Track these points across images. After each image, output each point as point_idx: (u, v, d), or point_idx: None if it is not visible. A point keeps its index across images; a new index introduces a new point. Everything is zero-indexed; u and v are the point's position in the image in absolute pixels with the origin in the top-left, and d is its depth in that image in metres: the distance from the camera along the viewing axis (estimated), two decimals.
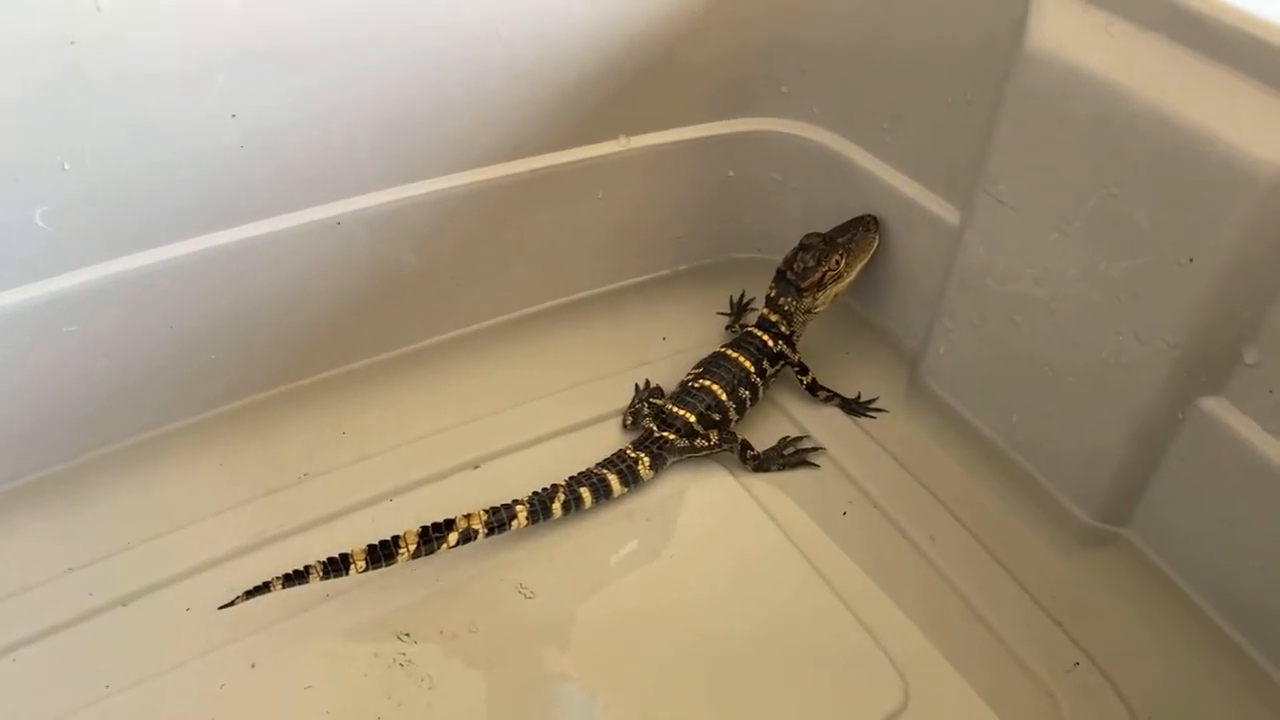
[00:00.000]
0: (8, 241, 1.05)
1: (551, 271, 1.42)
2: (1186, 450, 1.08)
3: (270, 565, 1.11)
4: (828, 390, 1.38)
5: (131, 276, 1.12)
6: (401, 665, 1.08)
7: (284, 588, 1.07)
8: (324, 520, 1.21)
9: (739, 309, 1.51)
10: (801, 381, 1.37)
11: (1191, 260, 0.98)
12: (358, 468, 1.27)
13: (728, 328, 1.48)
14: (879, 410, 1.38)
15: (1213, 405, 1.05)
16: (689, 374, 1.34)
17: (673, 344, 1.47)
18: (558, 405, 1.36)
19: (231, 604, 1.06)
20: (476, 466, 1.28)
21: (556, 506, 1.19)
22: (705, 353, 1.37)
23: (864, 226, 1.35)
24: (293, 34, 1.07)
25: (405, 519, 1.17)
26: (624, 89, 1.30)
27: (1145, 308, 1.03)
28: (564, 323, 1.45)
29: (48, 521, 1.17)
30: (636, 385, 1.39)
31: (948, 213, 1.27)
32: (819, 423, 1.36)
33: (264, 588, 1.07)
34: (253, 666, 1.07)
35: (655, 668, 1.10)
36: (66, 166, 1.03)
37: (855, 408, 1.38)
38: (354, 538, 1.12)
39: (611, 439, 1.33)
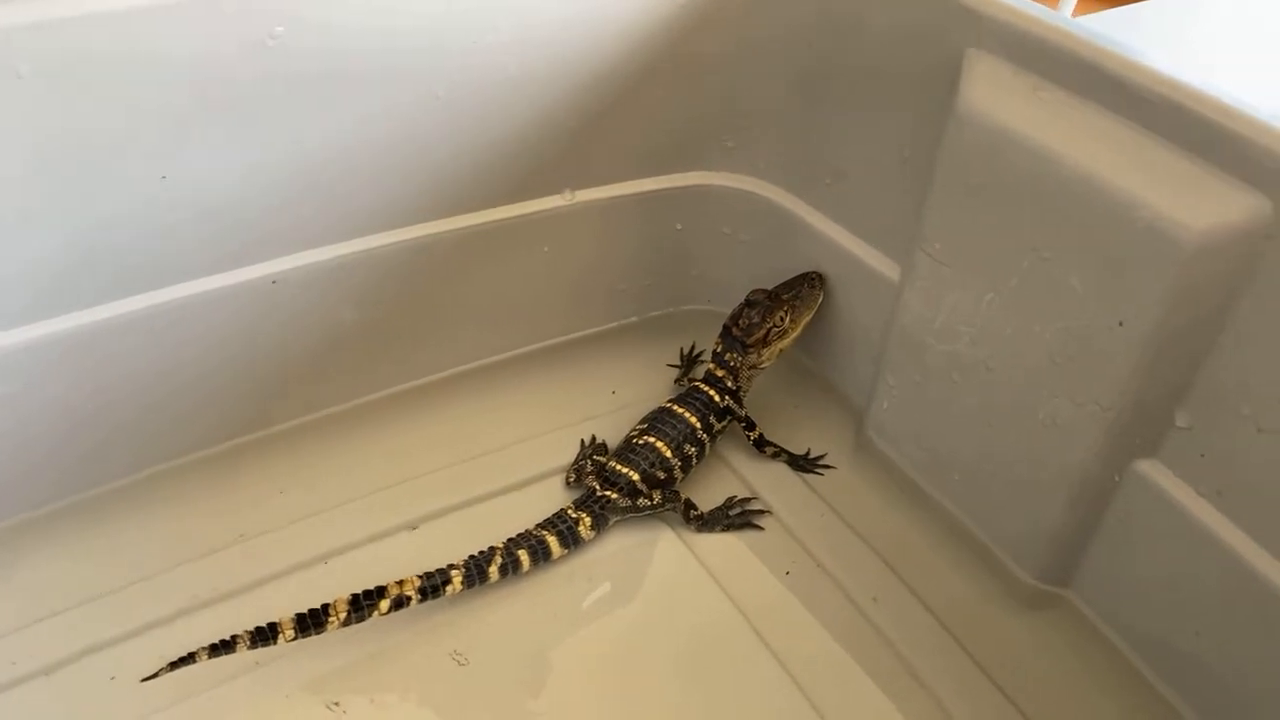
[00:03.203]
0: None
1: (497, 326, 1.41)
2: (1124, 513, 1.07)
3: (203, 630, 1.08)
4: (775, 446, 1.37)
5: (57, 339, 1.10)
6: None
7: (210, 658, 1.04)
8: (259, 583, 1.19)
9: (689, 361, 1.50)
10: (749, 437, 1.36)
11: (1122, 324, 0.97)
12: (295, 528, 1.25)
13: (677, 380, 1.47)
14: (826, 466, 1.37)
15: (1147, 468, 1.04)
16: (633, 430, 1.33)
17: (622, 397, 1.46)
18: (500, 462, 1.35)
19: (155, 675, 1.04)
20: (414, 527, 1.27)
21: (493, 570, 1.17)
22: (654, 407, 1.36)
23: (809, 283, 1.35)
24: (223, 96, 1.06)
25: (341, 582, 1.15)
26: (567, 145, 1.30)
27: (1079, 370, 1.03)
28: (510, 377, 1.44)
29: None
30: (582, 441, 1.38)
31: (889, 269, 1.27)
32: (766, 479, 1.35)
33: (190, 658, 1.04)
34: None
35: None
36: None
37: (802, 464, 1.37)
38: (289, 602, 1.10)
39: (555, 497, 1.31)
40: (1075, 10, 1.91)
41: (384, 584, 1.11)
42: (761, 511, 1.31)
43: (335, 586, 1.11)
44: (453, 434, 1.37)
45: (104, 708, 1.06)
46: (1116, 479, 1.06)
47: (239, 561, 1.21)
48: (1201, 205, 0.89)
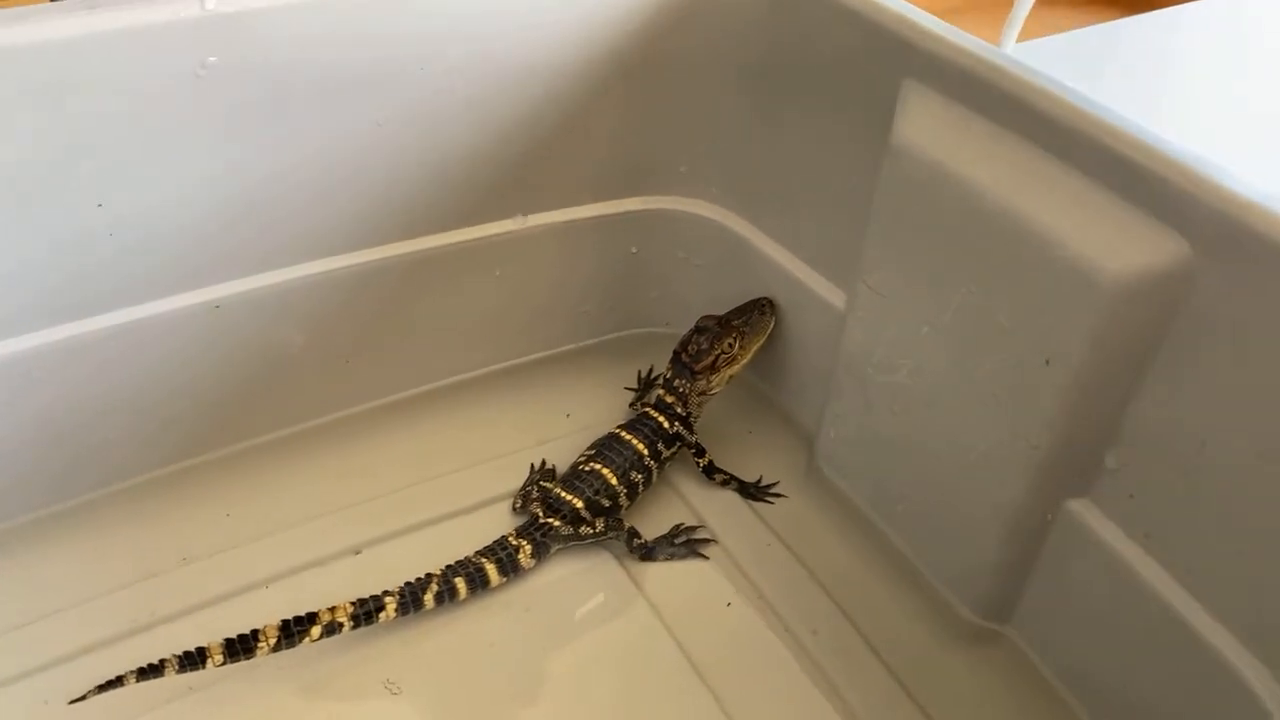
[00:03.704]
0: None
1: (449, 349, 1.41)
2: (1058, 552, 1.06)
3: (140, 653, 1.08)
4: (725, 473, 1.36)
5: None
6: None
7: (138, 681, 1.05)
8: (199, 607, 1.19)
9: (646, 384, 1.49)
10: (698, 464, 1.35)
11: (1048, 363, 0.95)
12: (239, 552, 1.25)
13: (631, 405, 1.46)
14: (777, 495, 1.36)
15: (1079, 508, 1.02)
16: (581, 456, 1.33)
17: (577, 421, 1.45)
18: (450, 486, 1.34)
19: (83, 698, 1.05)
20: (358, 552, 1.27)
21: (429, 598, 1.17)
22: (607, 431, 1.35)
23: (759, 309, 1.34)
24: (157, 125, 1.06)
25: (281, 607, 1.15)
26: (517, 170, 1.30)
27: (1010, 407, 1.01)
28: (464, 400, 1.43)
29: None
30: (532, 465, 1.38)
31: (836, 298, 1.25)
32: (714, 507, 1.34)
33: (117, 682, 1.05)
34: None
35: None
36: None
37: (752, 492, 1.36)
38: (228, 626, 1.10)
39: (503, 522, 1.31)
40: (1059, 27, 1.88)
41: (316, 610, 1.12)
42: (707, 540, 1.30)
43: (276, 610, 1.11)
44: (404, 457, 1.37)
45: None
46: (1049, 518, 1.04)
47: (181, 584, 1.21)
48: (1121, 246, 0.88)
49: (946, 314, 1.05)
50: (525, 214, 1.35)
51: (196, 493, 1.30)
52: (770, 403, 1.46)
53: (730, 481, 1.36)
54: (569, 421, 1.45)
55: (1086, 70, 1.21)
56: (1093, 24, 1.65)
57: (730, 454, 1.39)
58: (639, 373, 1.51)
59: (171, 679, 1.07)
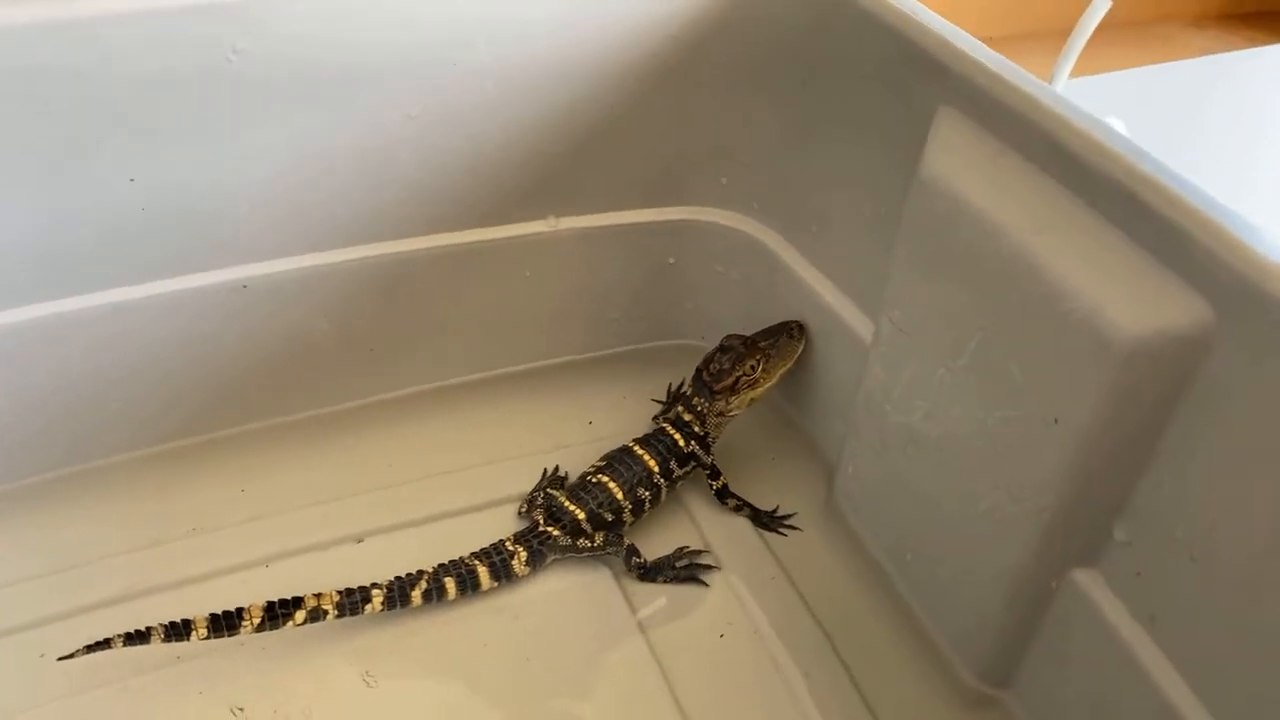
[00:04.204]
0: None
1: (474, 346, 1.40)
2: (1061, 622, 0.98)
3: (136, 618, 1.10)
4: (738, 499, 1.31)
5: (27, 326, 1.16)
6: None
7: (125, 646, 1.07)
8: (200, 579, 1.22)
9: (675, 398, 1.46)
10: (711, 486, 1.31)
11: (1057, 422, 0.89)
12: (246, 528, 1.27)
13: (655, 418, 1.43)
14: (791, 527, 1.31)
15: (1085, 579, 0.95)
16: (592, 466, 1.30)
17: (598, 429, 1.43)
18: (461, 483, 1.34)
19: (71, 656, 1.08)
20: (360, 541, 1.27)
21: (416, 594, 1.17)
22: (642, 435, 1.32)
23: (789, 332, 1.29)
24: (189, 109, 1.09)
25: (277, 587, 1.16)
26: (549, 172, 1.28)
27: (1018, 464, 0.95)
28: (485, 398, 1.43)
29: None
30: (545, 470, 1.36)
31: (864, 328, 1.20)
32: (723, 533, 1.30)
33: (105, 644, 1.07)
34: None
35: None
36: None
37: (766, 521, 1.31)
38: (224, 599, 1.12)
39: (507, 525, 1.29)
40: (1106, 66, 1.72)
41: (302, 596, 1.13)
42: (709, 567, 1.26)
43: (271, 590, 1.13)
44: (418, 450, 1.37)
45: (28, 683, 1.10)
46: (1054, 585, 0.97)
47: (185, 555, 1.24)
48: (1139, 305, 0.80)
49: (963, 358, 0.99)
50: (558, 216, 1.33)
51: (214, 466, 1.33)
52: (797, 430, 1.40)
53: (743, 508, 1.31)
54: (590, 429, 1.43)
55: (1144, 112, 1.12)
56: (1164, 62, 1.54)
57: (750, 479, 1.35)
58: (669, 385, 1.47)
59: (162, 647, 1.10)
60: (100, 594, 1.19)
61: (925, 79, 1.01)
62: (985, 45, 0.99)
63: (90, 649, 1.07)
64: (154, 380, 1.26)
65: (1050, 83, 1.21)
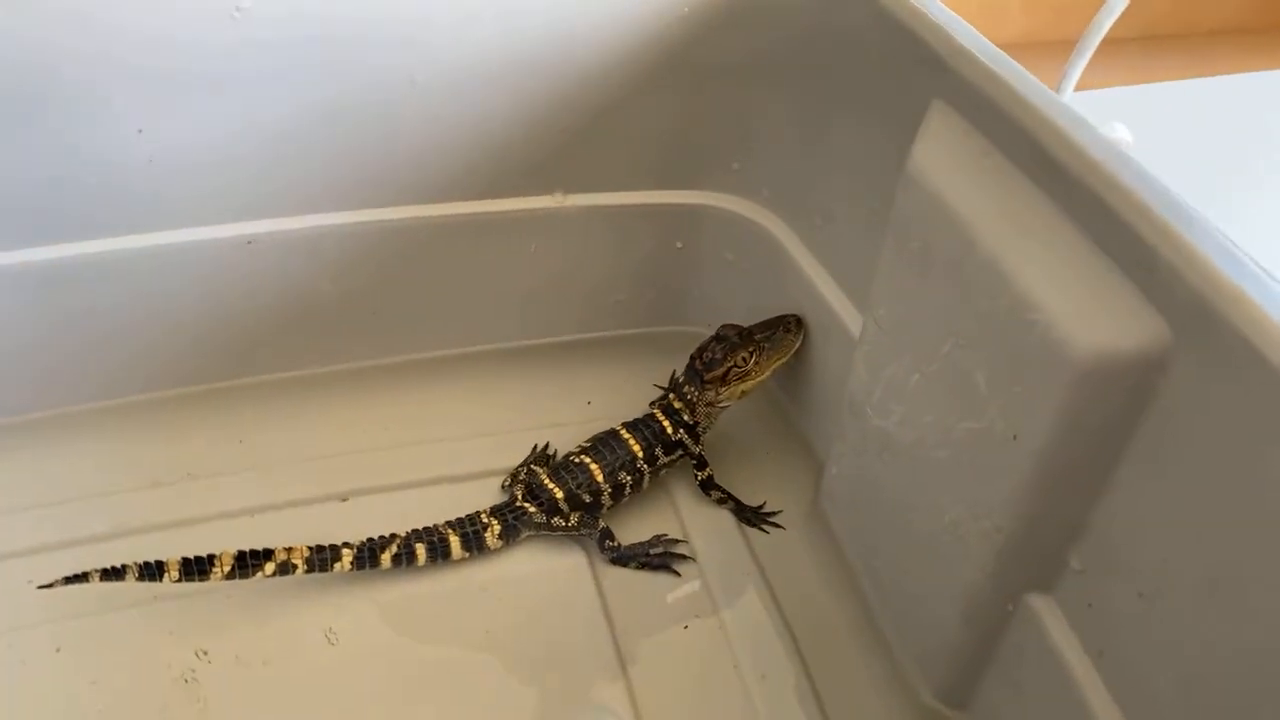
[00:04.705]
0: None
1: (475, 318, 1.40)
2: (1016, 647, 0.94)
3: (121, 555, 1.14)
4: (723, 492, 1.29)
5: (39, 267, 1.20)
6: (187, 681, 1.11)
7: (101, 580, 1.11)
8: (188, 523, 1.25)
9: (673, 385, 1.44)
10: (697, 476, 1.29)
11: (1016, 438, 0.84)
12: (239, 478, 1.30)
13: (651, 404, 1.41)
14: (774, 525, 1.28)
15: (1041, 606, 0.90)
16: (577, 446, 1.29)
17: (596, 409, 1.42)
18: (450, 452, 1.35)
19: (50, 586, 1.12)
20: (345, 499, 1.29)
21: (386, 558, 1.18)
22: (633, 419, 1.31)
23: (785, 326, 1.26)
24: (195, 66, 1.11)
25: (260, 537, 1.17)
26: (557, 147, 1.27)
27: (980, 479, 0.90)
28: (482, 370, 1.43)
29: None
30: (535, 446, 1.36)
31: (858, 325, 1.16)
32: (703, 525, 1.28)
33: (83, 577, 1.11)
34: (57, 651, 1.12)
35: None
36: None
37: (749, 517, 1.28)
38: (207, 545, 1.14)
39: (490, 497, 1.30)
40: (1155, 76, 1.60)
41: (273, 548, 1.15)
42: (683, 557, 1.24)
43: (251, 539, 1.15)
44: (412, 415, 1.38)
45: (9, 607, 1.15)
46: (1010, 609, 0.93)
47: (177, 499, 1.27)
48: (1098, 320, 0.76)
49: (934, 363, 0.95)
50: (565, 192, 1.32)
51: (214, 416, 1.36)
52: (793, 426, 1.37)
53: (727, 501, 1.29)
54: (587, 409, 1.42)
55: (1160, 127, 1.04)
56: (1191, 78, 1.43)
57: (741, 472, 1.32)
58: (673, 372, 1.45)
59: (140, 586, 1.13)
60: (91, 529, 1.23)
61: (921, 71, 0.97)
62: (991, 43, 0.94)
63: (69, 580, 1.11)
64: (159, 328, 1.29)
65: (1060, 86, 1.14)
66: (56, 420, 1.32)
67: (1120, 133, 0.94)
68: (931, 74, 0.96)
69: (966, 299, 0.89)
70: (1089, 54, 1.06)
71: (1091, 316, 0.76)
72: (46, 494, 1.26)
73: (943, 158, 0.93)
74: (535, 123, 1.24)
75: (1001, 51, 0.93)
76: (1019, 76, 0.89)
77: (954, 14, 0.98)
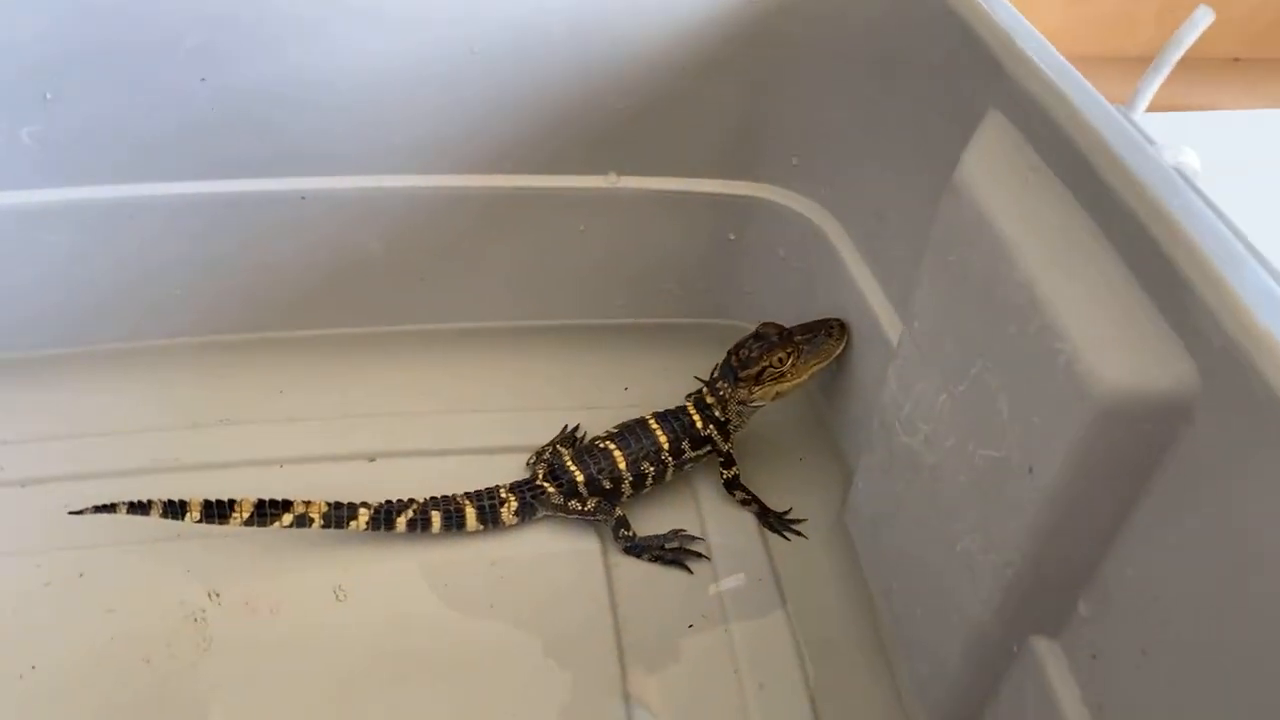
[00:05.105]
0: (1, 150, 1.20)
1: (520, 292, 1.40)
2: (1017, 688, 0.89)
3: (152, 491, 1.17)
4: (747, 493, 1.26)
5: (104, 205, 1.23)
6: (195, 620, 1.13)
7: (128, 513, 1.15)
8: (219, 466, 1.28)
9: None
10: (722, 475, 1.26)
11: (1031, 471, 0.80)
12: (274, 428, 1.33)
13: (687, 396, 1.39)
14: (796, 533, 1.25)
15: (1045, 650, 0.85)
16: (605, 431, 1.28)
17: (633, 395, 1.40)
18: (483, 423, 1.35)
19: (80, 512, 1.15)
20: (372, 460, 1.30)
21: (401, 521, 1.19)
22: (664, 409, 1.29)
23: (827, 330, 1.22)
24: (260, 13, 1.12)
25: (287, 488, 1.19)
26: (613, 127, 1.25)
27: (994, 511, 0.86)
28: (524, 345, 1.42)
29: None
30: (565, 426, 1.35)
31: (897, 336, 1.11)
32: (724, 524, 1.25)
33: (111, 508, 1.15)
34: (80, 576, 1.16)
35: (408, 709, 1.07)
36: (49, 97, 1.15)
37: (772, 521, 1.25)
38: (235, 489, 1.17)
39: (514, 472, 1.29)
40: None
41: (292, 500, 1.16)
42: (698, 555, 1.22)
43: (276, 489, 1.17)
44: (447, 384, 1.39)
45: (43, 529, 1.19)
46: (1015, 649, 0.88)
47: (212, 441, 1.31)
48: (1128, 358, 0.71)
49: (962, 384, 0.91)
50: (619, 174, 1.30)
51: (258, 365, 1.39)
52: (829, 434, 1.33)
53: (751, 503, 1.26)
54: (625, 395, 1.41)
55: (1238, 156, 0.96)
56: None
57: (770, 475, 1.29)
58: (715, 365, 1.42)
59: (166, 523, 1.16)
60: (127, 463, 1.27)
61: (980, 76, 0.92)
62: (1058, 53, 0.89)
63: (98, 509, 1.15)
64: (211, 274, 1.32)
65: (1131, 103, 1.07)
66: (105, 355, 1.36)
67: (1188, 159, 0.87)
68: (990, 80, 0.91)
69: (998, 320, 0.84)
70: (1166, 71, 0.99)
71: (1118, 352, 0.71)
72: (89, 425, 1.30)
73: (991, 170, 0.88)
74: (593, 100, 1.23)
75: (1067, 63, 0.87)
76: (1080, 90, 0.83)
77: (1022, 19, 0.93)
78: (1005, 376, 0.83)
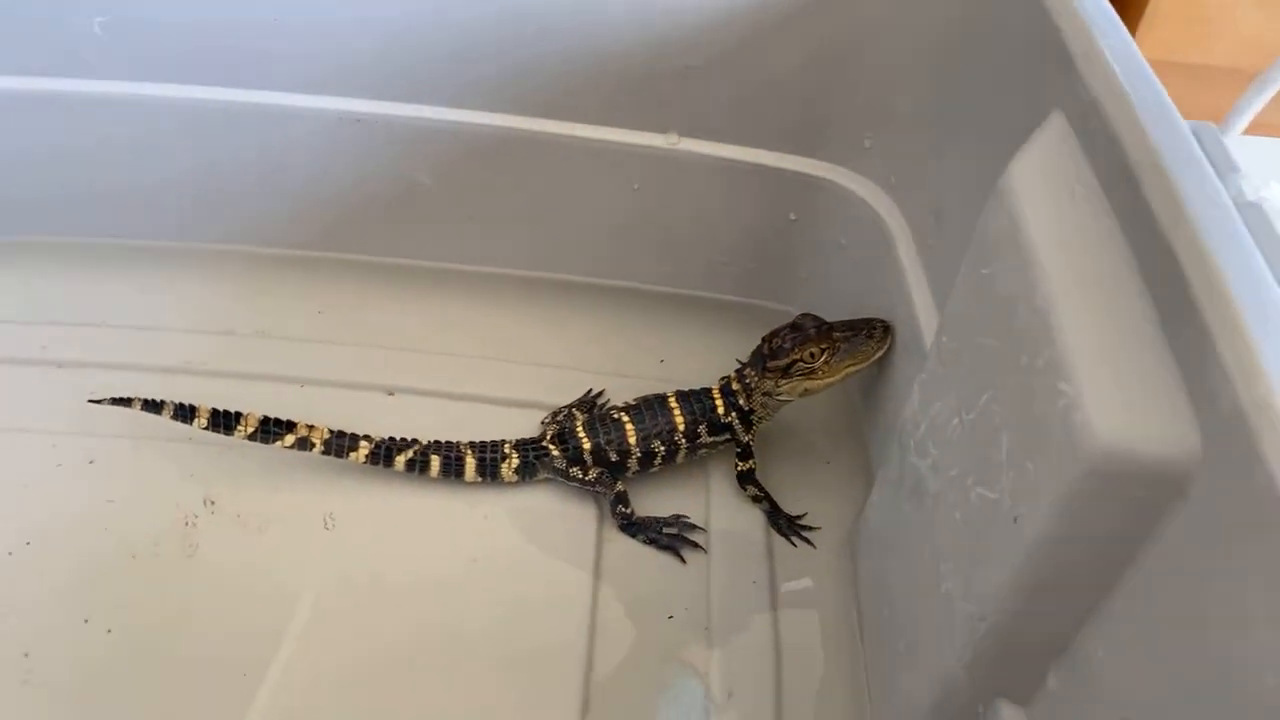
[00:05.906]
0: (73, 40, 1.21)
1: (565, 244, 1.35)
2: None
3: (177, 390, 1.19)
4: (759, 490, 1.19)
5: (166, 101, 1.25)
6: (186, 524, 1.14)
7: (142, 410, 1.16)
8: (244, 376, 1.29)
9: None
10: (737, 466, 1.19)
11: (1016, 521, 0.71)
12: (305, 347, 1.33)
13: (720, 380, 1.32)
14: (804, 540, 1.17)
15: (1011, 716, 0.77)
16: (623, 403, 1.22)
17: (668, 369, 1.34)
18: (508, 374, 1.31)
19: (99, 402, 1.18)
20: (391, 393, 1.29)
21: (400, 460, 1.17)
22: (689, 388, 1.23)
23: (869, 332, 1.13)
24: None
25: (302, 409, 1.19)
26: (677, 84, 1.18)
27: (978, 556, 0.77)
28: (563, 300, 1.38)
29: (44, 279, 1.37)
30: (590, 390, 1.30)
31: None
32: (729, 516, 1.18)
33: (127, 401, 1.17)
34: (90, 463, 1.19)
35: (376, 646, 1.05)
36: None
37: (781, 524, 1.18)
38: (252, 402, 1.17)
39: (528, 429, 1.25)
40: None
41: (297, 422, 1.16)
42: (695, 545, 1.16)
43: (296, 411, 1.17)
44: (479, 328, 1.36)
45: (62, 410, 1.23)
46: (981, 710, 0.80)
47: (244, 350, 1.32)
48: (1128, 414, 0.61)
49: (973, 412, 0.82)
50: (680, 135, 1.23)
51: (302, 280, 1.39)
52: (860, 441, 1.25)
53: (763, 501, 1.19)
54: (659, 367, 1.35)
55: None
56: None
57: (792, 476, 1.22)
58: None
59: (178, 425, 1.16)
60: (157, 359, 1.29)
61: (1050, 71, 0.82)
62: (1142, 57, 0.77)
63: (115, 402, 1.17)
64: (261, 185, 1.32)
65: (1225, 123, 0.93)
66: (158, 251, 1.38)
67: (1274, 193, 0.75)
68: (1059, 76, 0.80)
69: (1013, 347, 0.74)
70: (1272, 90, 0.85)
71: (1120, 406, 0.62)
72: (133, 318, 1.33)
73: (1039, 178, 0.78)
74: (657, 53, 1.16)
75: (1148, 67, 0.76)
76: (1151, 99, 0.73)
77: (1111, 13, 0.82)
78: (1010, 412, 0.74)
